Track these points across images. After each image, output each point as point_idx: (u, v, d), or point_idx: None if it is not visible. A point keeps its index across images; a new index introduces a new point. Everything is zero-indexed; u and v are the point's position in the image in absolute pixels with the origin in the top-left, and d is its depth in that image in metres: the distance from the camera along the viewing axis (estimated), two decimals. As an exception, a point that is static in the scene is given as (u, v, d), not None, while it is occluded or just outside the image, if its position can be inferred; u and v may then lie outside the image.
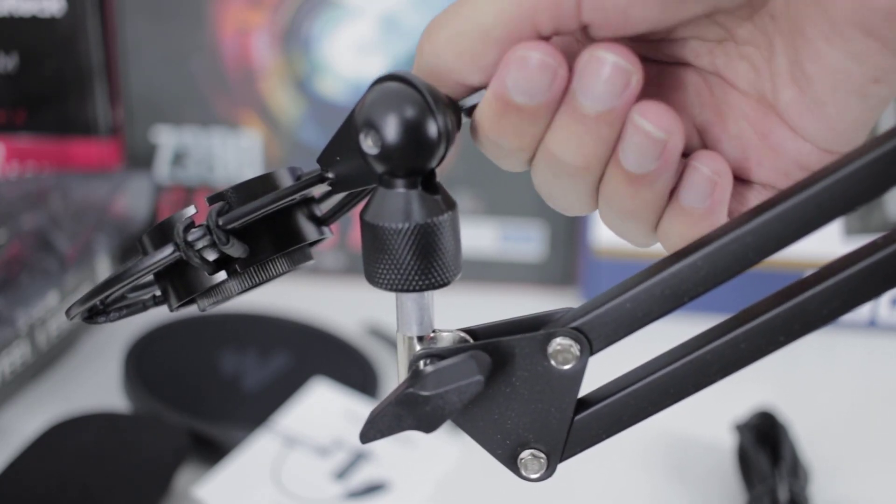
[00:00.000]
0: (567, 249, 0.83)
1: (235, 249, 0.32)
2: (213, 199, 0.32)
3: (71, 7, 0.78)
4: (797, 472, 0.58)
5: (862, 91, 0.29)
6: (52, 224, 0.73)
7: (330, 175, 0.32)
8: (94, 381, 0.71)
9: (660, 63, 0.33)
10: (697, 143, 0.33)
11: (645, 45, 0.32)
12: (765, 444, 0.60)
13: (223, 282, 0.33)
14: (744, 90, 0.32)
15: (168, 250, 0.32)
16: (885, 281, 0.28)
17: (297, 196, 0.32)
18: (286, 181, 0.33)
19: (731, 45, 0.31)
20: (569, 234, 0.82)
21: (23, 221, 0.72)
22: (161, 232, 0.33)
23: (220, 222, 0.31)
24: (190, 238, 0.31)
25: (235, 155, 0.83)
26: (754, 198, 0.33)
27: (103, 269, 0.78)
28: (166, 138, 0.83)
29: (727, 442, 0.63)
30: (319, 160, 0.33)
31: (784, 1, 0.29)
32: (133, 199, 0.80)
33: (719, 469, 0.63)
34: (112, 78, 0.82)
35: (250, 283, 0.33)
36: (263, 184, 0.33)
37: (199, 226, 0.32)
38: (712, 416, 0.61)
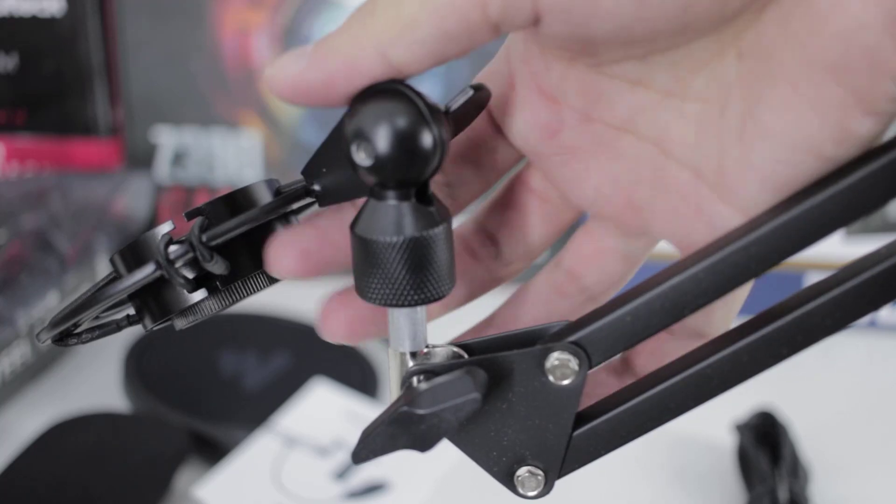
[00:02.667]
0: (567, 249, 0.83)
1: (218, 266, 0.30)
2: (191, 215, 0.31)
3: (71, 7, 0.78)
4: (797, 472, 0.58)
5: (820, 152, 0.27)
6: (52, 224, 0.73)
7: (316, 187, 0.31)
8: (94, 381, 0.71)
9: (603, 125, 0.31)
10: (634, 222, 0.32)
11: (590, 100, 0.31)
12: (765, 444, 0.60)
13: (202, 300, 0.31)
14: (680, 159, 0.30)
15: (149, 269, 0.30)
16: (888, 291, 0.27)
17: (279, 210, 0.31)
18: (264, 194, 0.32)
19: (675, 102, 0.30)
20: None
21: (23, 221, 0.72)
22: (135, 251, 0.31)
23: (204, 238, 0.30)
24: (172, 255, 0.30)
25: (235, 155, 0.83)
26: None
27: (103, 269, 0.78)
28: (166, 138, 0.83)
29: (727, 442, 0.63)
30: (304, 172, 0.31)
31: (756, 35, 0.27)
32: (133, 199, 0.80)
33: (719, 469, 0.63)
34: (112, 78, 0.82)
35: (230, 301, 0.32)
36: (242, 198, 0.32)
37: (180, 241, 0.30)
38: (712, 416, 0.60)
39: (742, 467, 0.61)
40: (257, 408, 0.66)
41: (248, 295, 0.32)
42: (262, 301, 0.78)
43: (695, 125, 0.29)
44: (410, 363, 0.31)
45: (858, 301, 0.28)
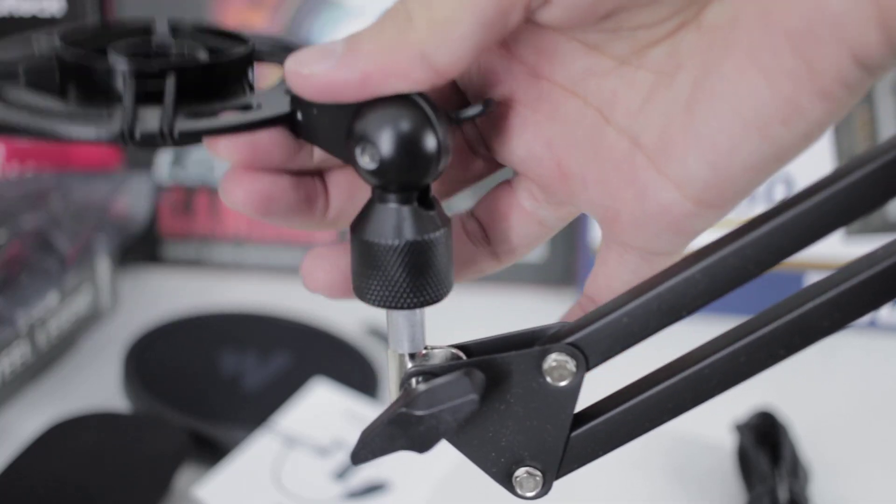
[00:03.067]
0: (567, 249, 0.83)
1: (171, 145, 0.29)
2: (164, 73, 0.29)
3: (71, 7, 0.78)
4: (797, 472, 0.58)
5: (765, 129, 0.27)
6: (52, 224, 0.73)
7: (299, 117, 0.31)
8: (94, 381, 0.71)
9: (550, 84, 0.31)
10: (560, 188, 0.32)
11: (543, 57, 0.31)
12: (765, 444, 0.60)
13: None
14: (619, 127, 0.30)
15: (113, 132, 0.28)
16: (885, 293, 0.27)
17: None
18: (239, 75, 0.31)
19: (628, 70, 0.30)
20: (569, 234, 0.82)
21: (23, 221, 0.72)
22: (88, 80, 0.30)
23: (176, 135, 0.28)
24: (139, 136, 0.28)
25: (235, 155, 0.83)
26: (615, 263, 0.31)
27: (103, 269, 0.78)
28: (166, 138, 0.83)
29: (727, 442, 0.63)
30: (293, 100, 0.31)
31: (721, 6, 0.28)
32: (133, 199, 0.79)
33: (719, 469, 0.63)
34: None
35: (164, 146, 0.31)
36: (220, 74, 0.31)
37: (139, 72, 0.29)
38: (712, 416, 0.61)
39: (742, 467, 0.61)
40: (257, 408, 0.66)
41: (182, 145, 0.31)
42: (262, 301, 0.78)
43: (643, 94, 0.29)
44: (409, 364, 0.32)
45: (856, 302, 0.28)
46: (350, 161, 0.30)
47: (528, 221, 0.34)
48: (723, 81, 0.27)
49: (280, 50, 0.35)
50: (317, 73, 0.29)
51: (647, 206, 0.29)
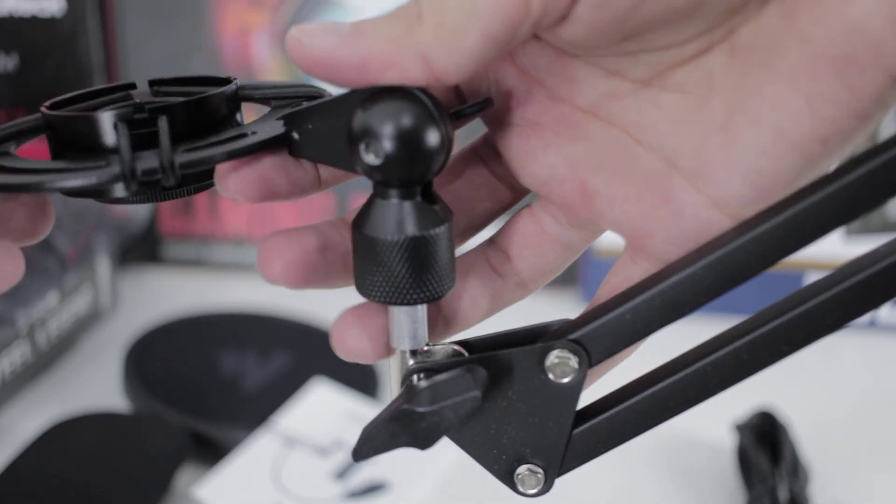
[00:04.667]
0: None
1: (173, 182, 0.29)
2: (154, 112, 0.30)
3: (71, 7, 0.78)
4: (797, 472, 0.58)
5: (805, 149, 0.27)
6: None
7: (295, 136, 0.31)
8: (94, 381, 0.71)
9: (570, 107, 0.31)
10: (583, 209, 0.32)
11: (560, 81, 0.31)
12: (765, 444, 0.60)
13: (129, 196, 0.30)
14: (651, 147, 0.30)
15: (109, 174, 0.28)
16: (889, 289, 0.27)
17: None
18: (226, 103, 0.32)
19: (651, 92, 0.30)
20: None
21: (23, 221, 0.72)
22: (81, 129, 0.30)
23: (176, 164, 0.28)
24: (140, 174, 0.28)
25: (235, 155, 0.83)
26: (639, 275, 0.31)
27: (103, 269, 0.78)
28: (166, 138, 0.83)
29: (727, 442, 0.63)
30: (287, 118, 0.31)
31: (755, 30, 0.28)
32: (133, 199, 0.79)
33: (719, 469, 0.63)
34: (112, 78, 0.82)
35: (160, 199, 0.31)
36: (208, 109, 0.31)
37: (137, 125, 0.29)
38: (712, 416, 0.61)
39: (742, 467, 0.61)
40: (257, 408, 0.66)
41: (176, 197, 0.31)
42: (262, 301, 0.78)
43: (670, 114, 0.29)
44: (411, 361, 0.32)
45: (858, 299, 0.28)
46: (351, 164, 0.30)
47: (553, 245, 0.34)
48: (763, 104, 0.28)
49: (270, 96, 0.35)
50: (318, 45, 0.28)
51: (685, 225, 0.30)
